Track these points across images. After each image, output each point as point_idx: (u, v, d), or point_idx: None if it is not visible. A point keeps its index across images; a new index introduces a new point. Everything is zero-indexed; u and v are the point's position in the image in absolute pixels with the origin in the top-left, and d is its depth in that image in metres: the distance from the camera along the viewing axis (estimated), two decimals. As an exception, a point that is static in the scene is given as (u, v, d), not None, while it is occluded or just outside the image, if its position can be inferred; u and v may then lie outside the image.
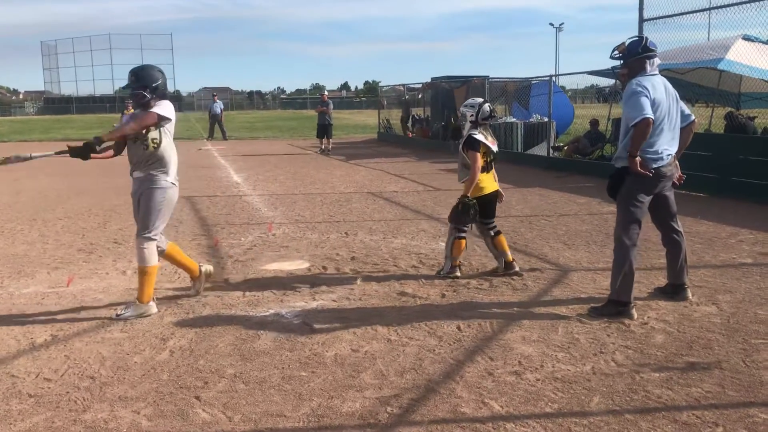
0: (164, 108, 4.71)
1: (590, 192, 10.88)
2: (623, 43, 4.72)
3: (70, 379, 3.76)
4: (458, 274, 5.71)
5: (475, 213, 5.59)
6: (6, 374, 3.83)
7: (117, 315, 4.78)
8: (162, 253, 5.04)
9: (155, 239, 4.84)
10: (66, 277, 5.90)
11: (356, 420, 3.24)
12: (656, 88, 4.57)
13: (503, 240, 5.83)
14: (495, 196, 5.79)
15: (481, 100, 5.80)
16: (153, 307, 4.88)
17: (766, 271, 5.81)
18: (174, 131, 4.89)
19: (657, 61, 4.70)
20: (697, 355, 3.96)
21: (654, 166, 4.58)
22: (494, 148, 5.71)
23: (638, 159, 4.50)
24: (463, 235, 5.69)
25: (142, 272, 4.83)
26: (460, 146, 5.74)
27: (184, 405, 3.42)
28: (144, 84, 4.72)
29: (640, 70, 4.64)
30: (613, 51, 4.77)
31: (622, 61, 4.74)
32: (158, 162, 4.77)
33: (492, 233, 5.81)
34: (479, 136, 5.59)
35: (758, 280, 5.51)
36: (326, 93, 23.97)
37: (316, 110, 21.34)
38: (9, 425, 3.23)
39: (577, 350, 4.07)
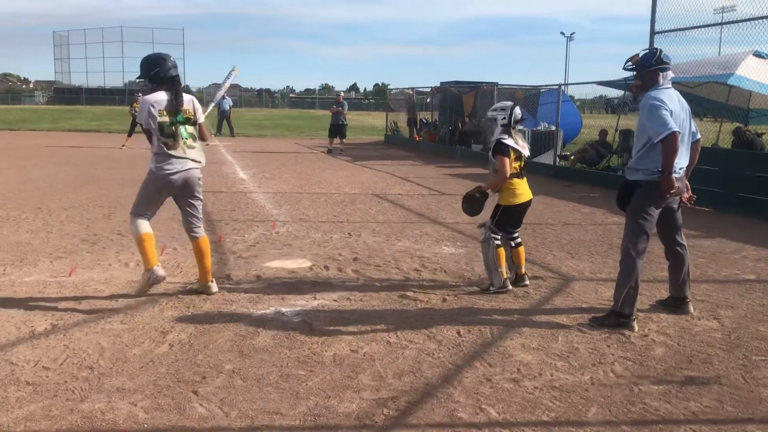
0: (140, 103, 4.93)
1: (595, 202, 10.86)
2: (637, 55, 4.72)
3: (68, 368, 3.77)
4: (510, 287, 5.46)
5: (479, 209, 5.55)
6: (5, 361, 3.85)
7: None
8: (195, 238, 5.19)
9: (139, 216, 5.03)
10: (68, 267, 5.91)
11: (352, 421, 3.24)
12: (671, 100, 4.57)
13: (522, 252, 5.71)
14: (528, 204, 5.62)
15: (511, 103, 5.62)
16: (158, 270, 5.02)
17: (769, 288, 5.79)
18: (159, 118, 4.93)
19: (670, 74, 4.69)
20: (696, 370, 3.95)
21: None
22: (526, 152, 5.55)
23: (672, 178, 4.46)
24: (500, 242, 5.48)
25: (137, 242, 5.08)
26: (490, 152, 5.55)
27: (182, 399, 3.42)
28: (143, 74, 4.99)
29: (653, 83, 4.63)
30: (626, 62, 4.76)
31: (635, 72, 4.73)
32: (151, 148, 5.02)
33: (513, 244, 5.66)
34: (509, 141, 5.43)
35: (761, 297, 5.48)
36: (342, 93, 24.74)
37: (331, 110, 21.47)
38: (6, 412, 3.24)
39: (576, 360, 4.06)
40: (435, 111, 24.29)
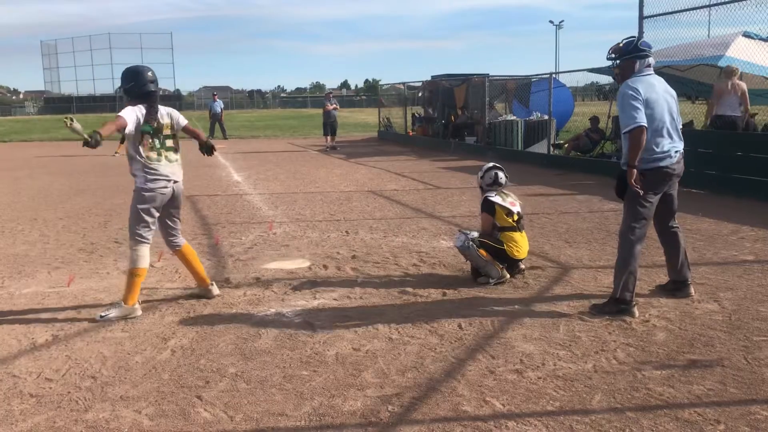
0: (125, 112, 4.70)
1: (591, 189, 10.87)
2: (618, 44, 4.74)
3: (71, 378, 3.76)
4: (508, 276, 5.50)
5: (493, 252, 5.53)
6: (7, 374, 3.83)
7: (101, 316, 4.71)
8: (177, 248, 5.08)
9: (145, 242, 4.81)
10: (66, 277, 5.89)
11: (358, 419, 3.24)
12: (650, 87, 4.56)
13: None
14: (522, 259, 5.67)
15: (491, 164, 5.82)
16: (138, 310, 4.81)
17: (767, 268, 5.80)
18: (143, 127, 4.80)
19: (650, 60, 4.68)
20: (698, 353, 3.96)
21: (662, 164, 4.57)
22: (515, 209, 5.61)
23: (635, 171, 4.46)
24: (477, 243, 5.46)
25: (131, 274, 4.81)
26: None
27: (186, 404, 3.42)
28: (122, 86, 4.89)
29: (631, 71, 4.65)
30: (609, 52, 4.78)
31: (617, 62, 4.75)
32: (133, 165, 4.85)
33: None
34: (496, 198, 5.59)
35: (760, 277, 5.50)
36: (331, 92, 25.94)
37: (324, 108, 21.60)
38: (11, 425, 3.23)
39: (578, 348, 4.06)
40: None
